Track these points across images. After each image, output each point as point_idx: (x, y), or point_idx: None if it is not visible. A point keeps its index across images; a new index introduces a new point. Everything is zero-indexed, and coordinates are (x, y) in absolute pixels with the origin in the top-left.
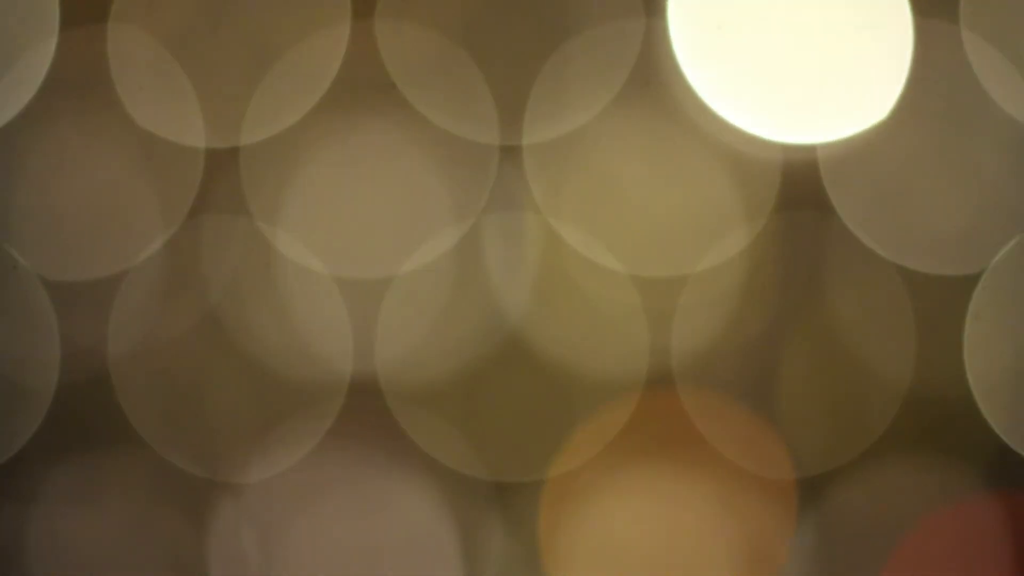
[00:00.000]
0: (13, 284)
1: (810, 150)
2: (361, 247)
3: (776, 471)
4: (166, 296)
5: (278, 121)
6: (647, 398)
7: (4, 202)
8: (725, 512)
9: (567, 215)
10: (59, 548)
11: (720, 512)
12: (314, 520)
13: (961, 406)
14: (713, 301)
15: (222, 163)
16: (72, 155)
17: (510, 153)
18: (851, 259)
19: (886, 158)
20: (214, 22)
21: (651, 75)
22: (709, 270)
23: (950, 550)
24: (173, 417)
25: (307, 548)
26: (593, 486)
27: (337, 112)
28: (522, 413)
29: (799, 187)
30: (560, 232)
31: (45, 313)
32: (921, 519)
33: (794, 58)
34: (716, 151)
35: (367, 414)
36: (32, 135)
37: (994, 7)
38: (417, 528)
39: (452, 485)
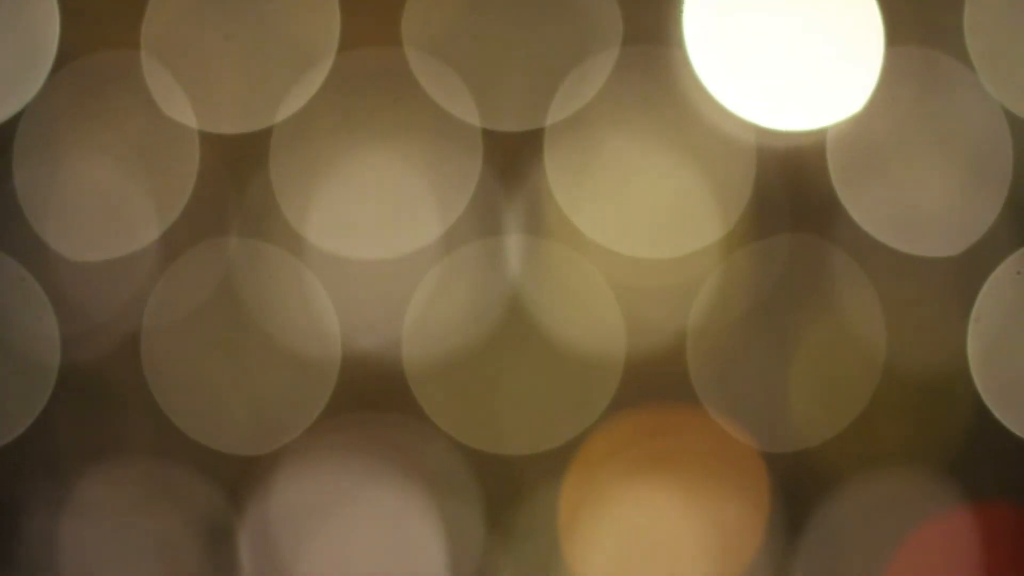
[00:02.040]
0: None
1: (817, 134)
2: (372, 229)
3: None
4: (180, 278)
5: (295, 103)
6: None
7: (27, 181)
8: (726, 512)
9: (581, 202)
10: (64, 543)
11: (722, 511)
12: (326, 496)
13: (964, 402)
14: (716, 285)
15: (229, 152)
16: (86, 139)
17: (520, 139)
18: (858, 248)
19: (885, 142)
20: (217, 18)
21: (658, 73)
22: (710, 254)
23: (953, 550)
24: (192, 393)
25: (319, 527)
26: (611, 484)
27: (346, 99)
28: (529, 391)
29: (802, 175)
30: (572, 219)
31: (54, 294)
32: (922, 519)
33: (790, 51)
34: (716, 139)
35: (378, 395)
36: (53, 117)
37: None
38: (422, 512)
39: (468, 463)
